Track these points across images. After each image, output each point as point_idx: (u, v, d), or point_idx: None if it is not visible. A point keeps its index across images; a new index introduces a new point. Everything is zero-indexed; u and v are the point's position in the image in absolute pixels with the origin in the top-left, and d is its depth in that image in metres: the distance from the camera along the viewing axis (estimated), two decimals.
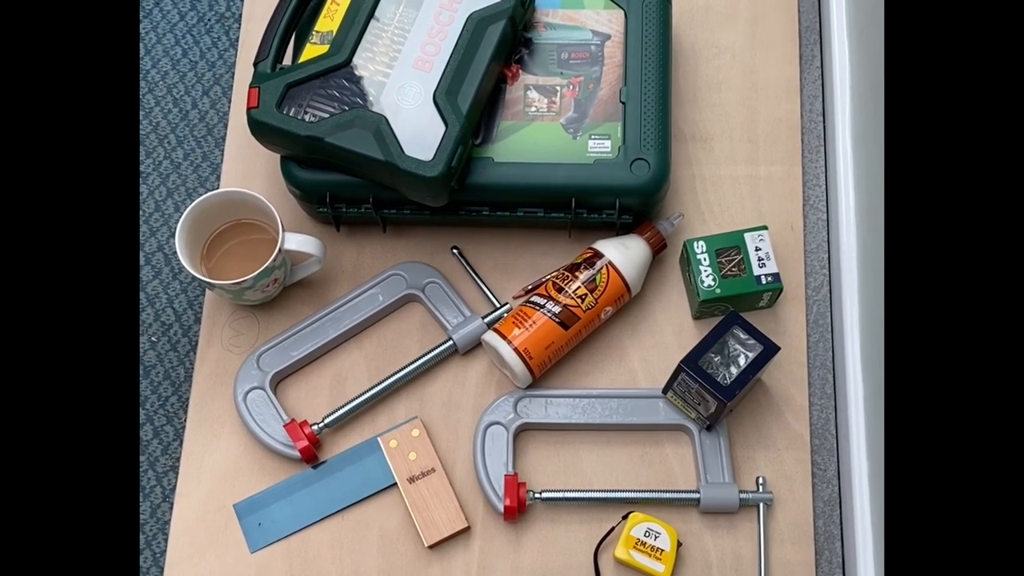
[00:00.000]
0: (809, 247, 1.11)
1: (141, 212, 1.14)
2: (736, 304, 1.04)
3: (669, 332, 1.07)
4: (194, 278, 1.05)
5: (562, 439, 1.04)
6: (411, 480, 1.01)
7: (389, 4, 1.02)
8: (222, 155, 1.16)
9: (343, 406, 1.04)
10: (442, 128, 0.97)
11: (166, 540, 1.03)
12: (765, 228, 1.04)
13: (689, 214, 1.11)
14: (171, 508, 1.04)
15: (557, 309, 1.01)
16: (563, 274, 1.03)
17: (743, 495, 1.00)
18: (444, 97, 0.98)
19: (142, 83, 1.19)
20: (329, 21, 1.02)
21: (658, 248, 1.06)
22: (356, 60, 1.00)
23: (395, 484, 1.02)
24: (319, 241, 1.04)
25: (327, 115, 0.98)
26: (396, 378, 1.04)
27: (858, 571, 0.97)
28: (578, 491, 1.00)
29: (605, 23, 1.07)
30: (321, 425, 1.03)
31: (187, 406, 1.07)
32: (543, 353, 1.01)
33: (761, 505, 1.00)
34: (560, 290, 1.02)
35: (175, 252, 1.12)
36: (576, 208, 1.04)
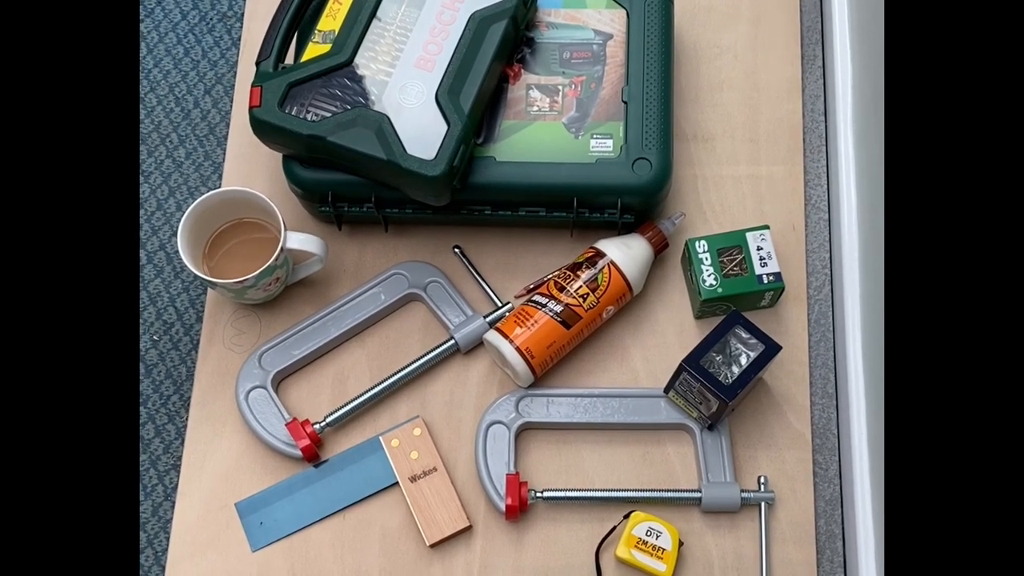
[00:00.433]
0: (811, 246, 1.11)
1: (143, 211, 1.14)
2: (738, 303, 1.04)
3: (671, 331, 1.07)
4: (196, 277, 1.05)
5: (564, 438, 1.04)
6: (413, 479, 1.01)
7: (391, 3, 1.02)
8: (224, 154, 1.16)
9: (345, 405, 1.04)
10: (444, 127, 0.97)
11: (168, 539, 1.03)
12: (767, 227, 1.04)
13: (691, 213, 1.11)
14: (173, 507, 1.04)
15: (559, 308, 1.01)
16: (565, 273, 1.03)
17: (745, 494, 1.00)
18: (446, 96, 0.98)
19: (144, 82, 1.19)
20: (331, 20, 1.02)
21: (660, 247, 1.06)
22: (358, 59, 1.00)
23: (397, 483, 1.02)
24: (321, 240, 1.04)
25: (329, 114, 0.98)
26: (398, 377, 1.04)
27: (859, 570, 0.97)
28: (580, 490, 1.00)
29: (607, 22, 1.07)
30: (323, 424, 1.03)
31: (189, 405, 1.07)
32: (545, 352, 1.01)
33: (763, 504, 1.00)
34: (562, 289, 1.02)
35: (177, 251, 1.12)
36: (578, 207, 1.04)
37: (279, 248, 1.00)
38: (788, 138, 1.14)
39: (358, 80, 0.99)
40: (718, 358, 0.97)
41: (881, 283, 0.97)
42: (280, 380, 1.06)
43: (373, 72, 1.00)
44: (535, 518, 1.02)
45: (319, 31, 1.02)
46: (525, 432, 1.04)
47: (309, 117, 0.98)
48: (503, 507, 0.99)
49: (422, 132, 0.97)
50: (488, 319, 1.06)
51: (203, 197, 1.03)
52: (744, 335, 0.98)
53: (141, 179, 1.16)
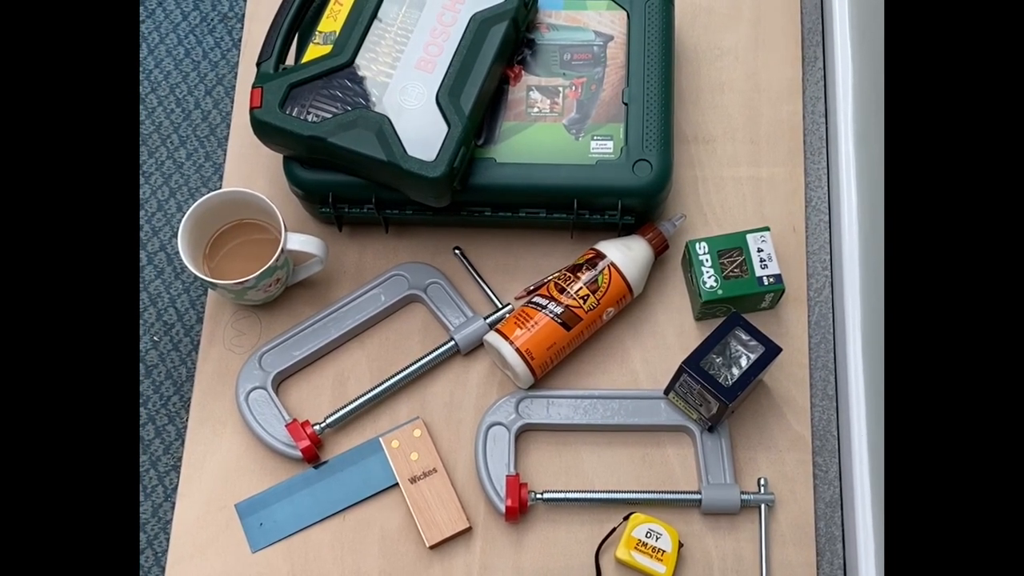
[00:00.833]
0: (811, 248, 1.11)
1: (144, 212, 1.14)
2: (738, 305, 1.04)
3: (671, 333, 1.07)
4: (196, 278, 1.05)
5: (564, 440, 1.04)
6: (412, 480, 1.01)
7: (392, 5, 1.02)
8: (225, 155, 1.16)
9: (345, 406, 1.04)
10: (444, 129, 0.97)
11: (168, 539, 1.03)
12: (767, 229, 1.04)
13: (691, 215, 1.11)
14: (173, 508, 1.04)
15: (559, 310, 1.01)
16: (565, 275, 1.03)
17: (744, 496, 1.00)
18: (447, 98, 0.98)
19: (145, 83, 1.19)
20: (332, 21, 1.02)
21: (660, 249, 1.06)
22: (359, 60, 1.00)
23: (396, 484, 1.02)
24: (321, 241, 1.04)
25: (330, 115, 0.98)
26: (398, 378, 1.04)
27: (859, 572, 0.97)
28: (579, 492, 1.00)
29: (608, 24, 1.07)
30: (323, 425, 1.03)
31: (189, 406, 1.07)
32: (545, 354, 1.01)
33: (762, 506, 1.00)
34: (562, 291, 1.02)
35: (177, 252, 1.12)
36: (578, 209, 1.04)
37: (279, 249, 1.00)
38: (789, 140, 1.14)
39: (359, 81, 0.99)
40: (718, 360, 0.97)
41: (881, 285, 0.97)
42: (280, 381, 1.06)
43: (374, 73, 1.00)
44: (535, 519, 1.02)
45: (320, 32, 1.02)
46: (525, 433, 1.04)
47: (310, 118, 0.98)
48: (503, 508, 0.99)
49: (423, 133, 0.97)
50: (488, 320, 1.06)
51: (204, 198, 1.03)
52: (744, 337, 0.98)
53: (142, 180, 1.16)
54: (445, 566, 1.00)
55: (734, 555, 1.00)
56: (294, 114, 0.98)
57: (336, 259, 1.11)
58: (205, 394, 1.06)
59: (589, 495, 1.00)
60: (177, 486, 1.04)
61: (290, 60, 1.06)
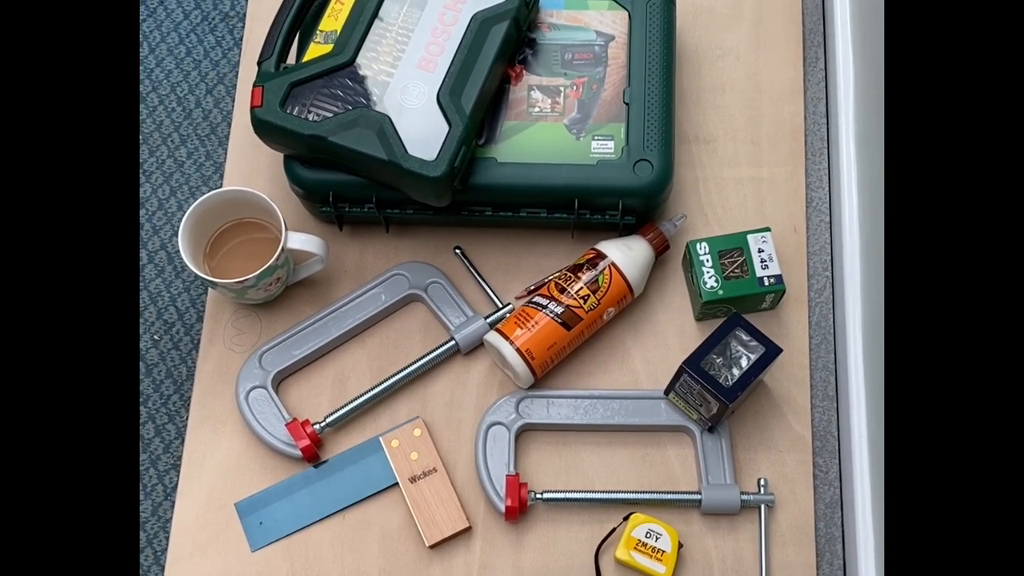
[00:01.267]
0: (812, 249, 1.11)
1: (145, 210, 1.14)
2: (738, 305, 1.04)
3: (671, 333, 1.07)
4: (197, 277, 1.05)
5: (564, 440, 1.04)
6: (412, 480, 1.01)
7: (393, 4, 1.02)
8: (225, 154, 1.16)
9: (345, 405, 1.04)
10: (445, 128, 0.97)
11: (167, 538, 1.03)
12: (768, 230, 1.04)
13: (692, 215, 1.11)
14: (172, 506, 1.04)
15: (559, 310, 1.01)
16: (566, 275, 1.03)
17: (744, 496, 1.00)
18: (448, 97, 0.98)
19: (146, 81, 1.19)
20: (333, 20, 1.02)
21: (661, 249, 1.06)
22: (360, 59, 1.00)
23: (396, 484, 1.02)
24: (322, 240, 1.04)
25: (331, 114, 0.98)
26: (398, 378, 1.04)
27: (859, 573, 0.97)
28: (579, 492, 1.00)
29: (609, 24, 1.07)
30: (323, 424, 1.03)
31: (189, 404, 1.07)
32: (545, 354, 1.01)
33: (762, 507, 1.00)
34: (563, 291, 1.02)
35: (178, 250, 1.12)
36: (579, 209, 1.04)
37: (280, 248, 1.00)
38: (790, 140, 1.14)
39: (360, 80, 0.99)
40: (719, 360, 0.97)
41: (882, 286, 0.97)
42: (280, 380, 1.06)
43: (375, 72, 1.00)
44: (535, 519, 1.01)
45: (321, 31, 1.02)
46: (525, 433, 1.04)
47: (310, 117, 0.98)
48: (503, 508, 0.99)
49: (423, 133, 0.97)
50: (489, 320, 1.05)
51: (204, 197, 1.03)
52: (745, 337, 0.98)
53: (143, 178, 1.16)
54: (445, 565, 1.00)
55: (734, 555, 1.00)
56: (295, 113, 0.98)
57: (336, 258, 1.11)
58: (205, 393, 1.06)
59: (589, 495, 1.00)
60: (177, 485, 1.04)
61: (291, 60, 1.06)
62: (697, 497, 0.99)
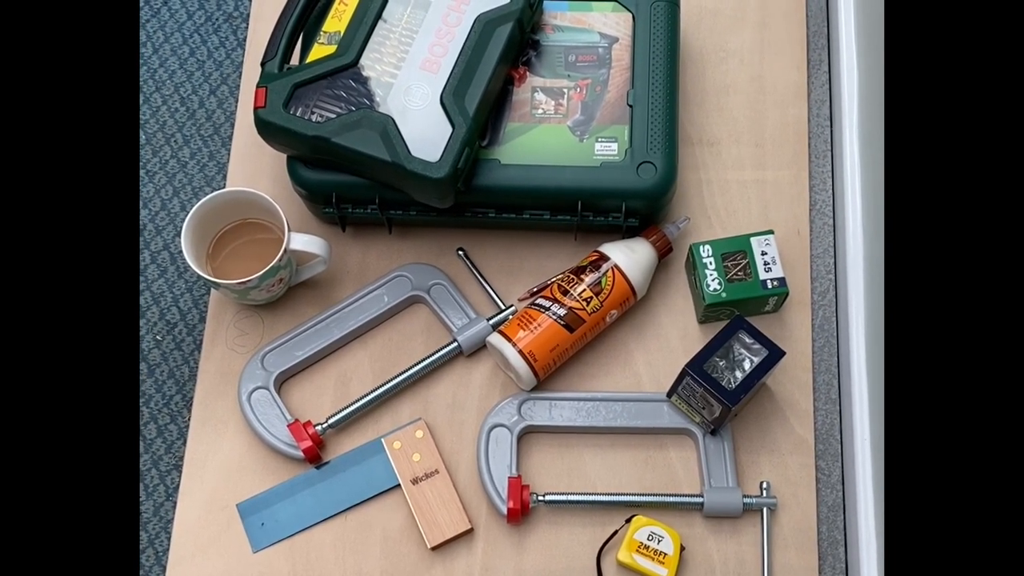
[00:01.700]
0: (815, 252, 1.10)
1: (147, 211, 1.14)
2: (741, 308, 1.04)
3: (674, 336, 1.07)
4: (199, 277, 1.05)
5: (566, 442, 1.04)
6: (414, 481, 1.01)
7: (397, 5, 1.02)
8: (228, 154, 1.16)
9: (347, 407, 1.04)
10: (449, 129, 0.97)
11: (169, 539, 1.03)
12: (771, 232, 1.04)
13: (695, 218, 1.11)
14: (174, 507, 1.04)
15: (562, 312, 1.01)
16: (568, 277, 1.03)
17: (747, 499, 1.00)
18: (451, 98, 0.98)
19: (149, 82, 1.19)
20: (337, 21, 1.02)
21: (664, 252, 1.06)
22: (363, 61, 1.00)
23: (398, 485, 1.02)
24: (325, 241, 1.04)
25: (334, 115, 0.98)
26: (400, 379, 1.04)
27: None
28: (581, 494, 1.00)
29: (613, 26, 1.07)
30: (325, 425, 1.03)
31: (191, 405, 1.07)
32: (548, 356, 1.01)
33: (765, 510, 1.00)
34: (565, 293, 1.02)
35: (180, 251, 1.12)
36: (582, 211, 1.03)
37: (283, 249, 1.00)
38: (793, 143, 1.14)
39: (363, 81, 0.99)
40: (721, 363, 0.97)
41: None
42: (282, 381, 1.06)
43: (378, 74, 1.00)
44: (536, 521, 1.01)
45: (324, 32, 1.02)
46: (527, 435, 1.04)
47: (314, 118, 0.98)
48: (505, 510, 0.99)
49: (427, 134, 0.97)
50: (491, 322, 1.05)
51: (207, 197, 1.03)
52: (748, 340, 0.98)
53: (146, 179, 1.16)
54: (446, 567, 1.00)
55: (736, 558, 1.00)
56: (298, 114, 0.98)
57: (339, 259, 1.11)
58: (207, 394, 1.06)
59: (591, 497, 1.00)
60: (179, 485, 1.04)
61: (295, 60, 1.06)
62: (699, 500, 0.99)
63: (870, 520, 0.98)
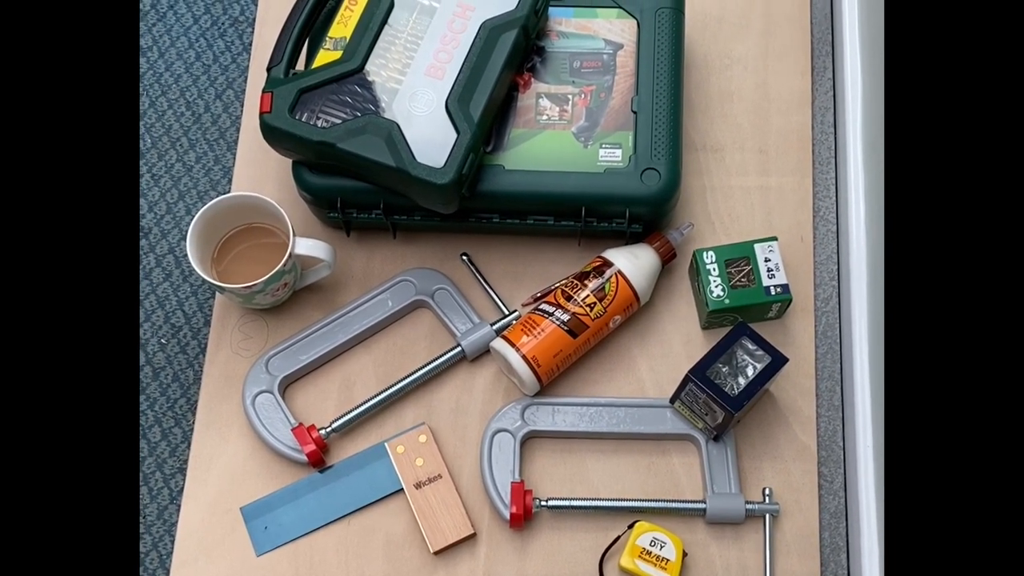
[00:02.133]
0: (819, 258, 1.11)
1: (153, 215, 1.15)
2: (745, 315, 1.04)
3: (677, 342, 1.07)
4: (204, 281, 1.06)
5: (569, 447, 1.04)
6: (418, 486, 1.01)
7: (403, 11, 1.03)
8: (234, 159, 1.16)
9: (351, 411, 1.04)
10: (454, 135, 0.97)
11: (173, 542, 1.03)
12: (775, 239, 1.04)
13: (699, 224, 1.11)
14: (178, 510, 1.04)
15: (566, 317, 1.01)
16: (572, 282, 1.03)
17: (749, 506, 1.00)
18: (456, 104, 0.98)
19: (156, 86, 1.20)
20: (342, 27, 1.02)
21: (667, 257, 1.06)
22: (369, 66, 1.00)
23: (402, 490, 1.02)
24: (329, 246, 1.04)
25: (339, 121, 0.98)
26: (404, 384, 1.05)
27: None
28: (584, 499, 1.00)
29: (617, 32, 1.07)
30: (329, 429, 1.03)
31: (196, 408, 1.07)
32: (551, 361, 1.01)
33: (767, 516, 1.00)
34: (569, 298, 1.02)
35: (186, 255, 1.13)
36: (586, 217, 1.04)
37: (288, 253, 1.01)
38: (797, 149, 1.14)
39: (368, 87, 1.00)
40: (724, 369, 0.97)
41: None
42: (287, 385, 1.07)
43: (383, 79, 1.00)
44: (539, 527, 1.02)
45: (330, 38, 1.02)
46: (530, 440, 1.04)
47: (319, 123, 0.98)
48: (507, 515, 0.99)
49: (432, 140, 0.97)
50: (495, 327, 1.06)
51: (212, 202, 1.03)
52: (751, 346, 0.98)
53: (151, 183, 1.16)
54: (449, 572, 1.00)
55: (738, 565, 1.00)
56: (304, 119, 0.98)
57: (344, 264, 1.11)
58: (212, 397, 1.07)
59: (594, 503, 1.00)
60: (183, 489, 1.04)
61: (300, 65, 1.06)
62: (702, 506, 0.99)
63: (872, 527, 0.98)
